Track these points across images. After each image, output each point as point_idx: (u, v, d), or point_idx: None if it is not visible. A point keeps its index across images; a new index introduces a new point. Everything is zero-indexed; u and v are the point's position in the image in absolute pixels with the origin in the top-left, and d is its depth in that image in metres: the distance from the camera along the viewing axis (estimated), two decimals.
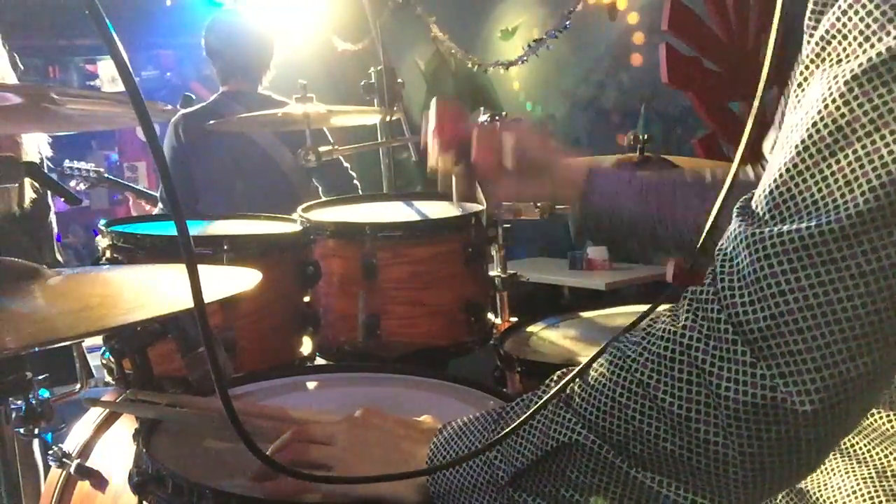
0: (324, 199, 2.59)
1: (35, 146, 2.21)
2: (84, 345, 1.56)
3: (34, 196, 2.18)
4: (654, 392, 0.70)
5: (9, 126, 1.57)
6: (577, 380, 0.76)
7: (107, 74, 7.97)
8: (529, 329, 1.67)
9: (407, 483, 0.83)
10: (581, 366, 0.76)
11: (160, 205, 3.14)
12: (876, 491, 0.81)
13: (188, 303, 0.85)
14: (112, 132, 7.97)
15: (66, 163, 3.85)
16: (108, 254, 1.50)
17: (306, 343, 1.65)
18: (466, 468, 0.80)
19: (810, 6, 0.67)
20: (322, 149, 1.95)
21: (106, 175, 4.00)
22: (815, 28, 0.67)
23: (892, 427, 0.81)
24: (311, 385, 1.30)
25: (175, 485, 0.88)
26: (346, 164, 3.16)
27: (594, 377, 0.75)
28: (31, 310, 0.85)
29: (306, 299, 1.64)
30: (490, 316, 1.77)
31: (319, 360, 1.66)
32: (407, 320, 1.62)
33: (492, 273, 1.80)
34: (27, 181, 2.05)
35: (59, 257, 2.44)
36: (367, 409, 0.94)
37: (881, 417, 0.81)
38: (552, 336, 1.63)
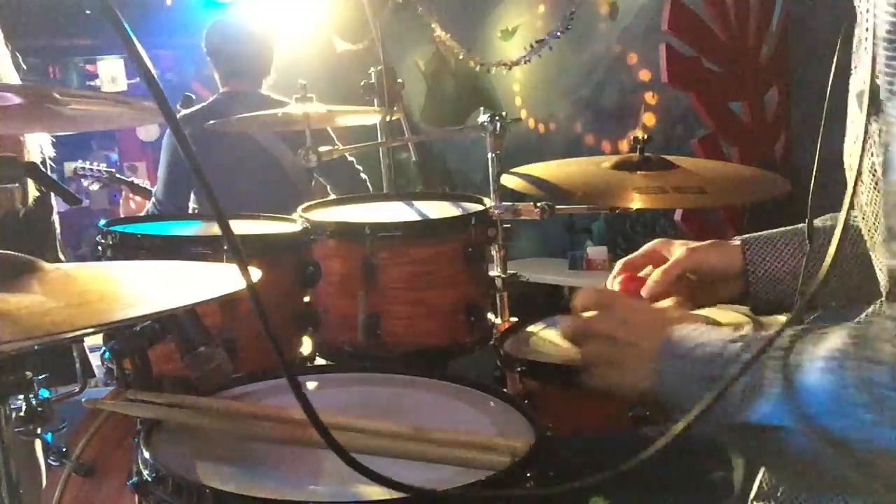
0: (326, 198, 2.59)
1: (37, 146, 2.21)
2: (86, 344, 1.56)
3: (37, 195, 2.18)
4: None
5: (10, 126, 1.56)
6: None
7: (107, 74, 7.97)
8: (529, 329, 1.67)
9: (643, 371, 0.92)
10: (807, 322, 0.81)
11: (153, 199, 3.12)
12: None
13: (188, 299, 0.85)
14: (112, 132, 7.97)
15: (79, 163, 3.89)
16: (108, 254, 1.50)
17: (306, 343, 1.65)
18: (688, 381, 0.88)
19: None
20: (322, 149, 1.95)
21: (118, 175, 4.04)
22: None
23: None
24: (311, 385, 1.30)
25: (175, 485, 0.88)
26: (352, 160, 3.16)
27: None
28: (31, 303, 0.85)
29: (306, 299, 1.65)
30: (490, 316, 1.77)
31: (319, 360, 1.67)
32: (407, 320, 1.62)
33: (492, 273, 1.80)
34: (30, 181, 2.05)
35: (61, 257, 2.44)
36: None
37: None
38: (552, 336, 1.63)
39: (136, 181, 4.12)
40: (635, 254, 1.34)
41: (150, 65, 0.50)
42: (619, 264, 1.34)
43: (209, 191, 0.57)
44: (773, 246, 1.29)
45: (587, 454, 1.18)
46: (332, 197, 2.96)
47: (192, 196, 3.04)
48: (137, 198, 3.79)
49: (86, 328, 0.78)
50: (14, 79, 2.18)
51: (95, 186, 4.02)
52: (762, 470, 0.95)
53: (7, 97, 1.03)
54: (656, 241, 1.34)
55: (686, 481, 1.10)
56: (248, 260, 0.76)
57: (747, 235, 1.32)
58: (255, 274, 1.03)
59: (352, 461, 0.78)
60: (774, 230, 1.34)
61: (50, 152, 2.30)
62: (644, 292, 1.25)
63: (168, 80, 7.84)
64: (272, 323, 1.53)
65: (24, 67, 2.30)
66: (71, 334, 0.78)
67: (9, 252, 0.96)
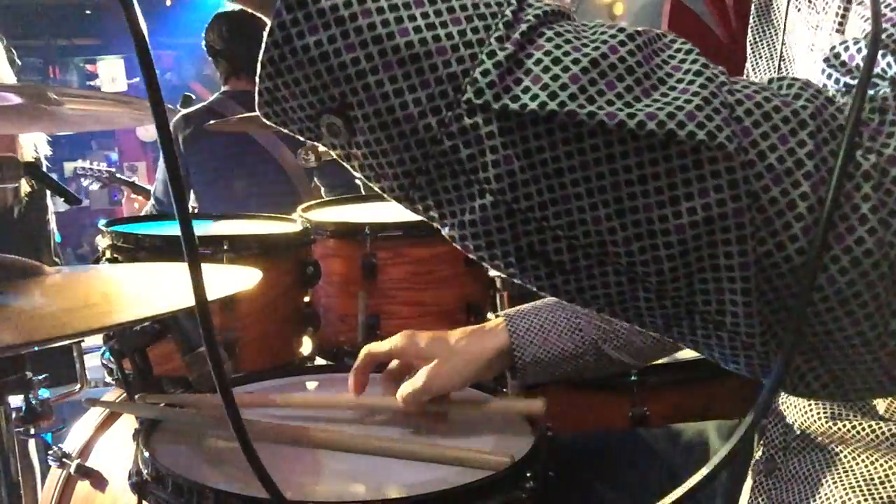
0: (326, 198, 2.60)
1: (31, 145, 2.22)
2: (83, 345, 1.56)
3: (28, 198, 2.19)
4: None
5: (8, 126, 1.57)
6: None
7: (107, 74, 7.97)
8: None
9: None
10: None
11: (151, 201, 3.12)
12: (865, 499, 0.81)
13: (189, 301, 0.85)
14: (112, 132, 7.98)
15: (79, 163, 3.92)
16: (108, 254, 1.50)
17: (306, 343, 1.65)
18: None
19: None
20: (322, 149, 1.94)
21: (118, 175, 4.07)
22: None
23: (876, 436, 0.81)
24: (311, 385, 1.30)
25: (175, 485, 0.88)
26: None
27: None
28: (32, 307, 0.85)
29: (306, 299, 1.65)
30: (490, 316, 1.77)
31: (319, 360, 1.67)
32: (407, 320, 1.62)
33: (492, 273, 1.80)
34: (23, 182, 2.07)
35: (56, 260, 2.44)
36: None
37: (864, 427, 0.82)
38: None
39: (136, 181, 4.14)
40: (381, 347, 1.11)
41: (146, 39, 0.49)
42: (363, 353, 1.12)
43: (180, 188, 0.48)
44: (541, 329, 1.14)
45: (586, 454, 1.18)
46: (329, 197, 2.97)
47: (192, 196, 3.04)
48: (140, 197, 3.81)
49: (86, 331, 0.78)
50: (10, 77, 2.19)
51: (95, 186, 4.06)
52: (749, 478, 0.94)
53: (6, 97, 1.03)
54: (403, 336, 1.09)
55: (664, 486, 1.09)
56: (247, 260, 0.74)
57: (513, 312, 1.16)
58: (255, 275, 1.03)
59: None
60: (540, 305, 1.16)
61: (45, 151, 2.31)
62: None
63: (168, 81, 7.85)
64: (272, 322, 1.54)
65: (18, 63, 2.31)
66: (72, 339, 0.78)
67: (9, 255, 0.96)
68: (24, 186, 2.16)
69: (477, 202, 0.49)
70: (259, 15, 0.54)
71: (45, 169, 2.27)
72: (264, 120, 0.52)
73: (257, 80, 0.50)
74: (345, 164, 0.53)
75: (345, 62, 0.47)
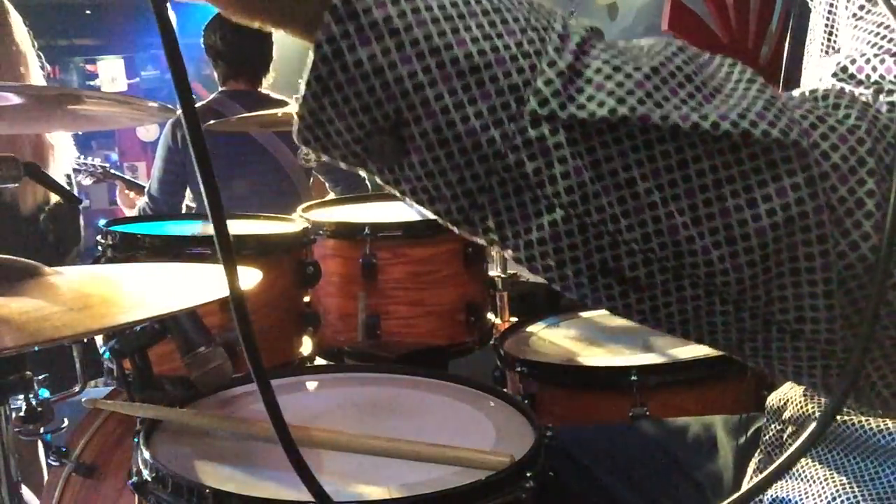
0: (326, 198, 2.60)
1: (65, 158, 2.25)
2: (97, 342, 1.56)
3: (56, 206, 2.19)
4: None
5: (9, 126, 1.57)
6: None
7: (107, 74, 7.97)
8: (529, 329, 1.67)
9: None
10: None
11: (146, 196, 3.10)
12: (856, 496, 0.81)
13: (188, 301, 0.85)
14: (112, 132, 7.97)
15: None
16: (108, 254, 1.50)
17: (306, 343, 1.65)
18: None
19: None
20: None
21: (111, 171, 4.05)
22: None
23: (865, 432, 0.82)
24: (311, 385, 1.30)
25: (175, 485, 0.88)
26: None
27: None
28: (32, 308, 0.85)
29: (306, 299, 1.65)
30: (490, 316, 1.77)
31: (319, 360, 1.67)
32: (407, 320, 1.63)
33: (492, 273, 1.80)
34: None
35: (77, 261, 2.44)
36: None
37: (855, 424, 0.82)
38: (552, 336, 1.63)
39: (129, 177, 4.12)
40: None
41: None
42: None
43: (215, 189, 0.46)
44: None
45: (591, 448, 1.18)
46: (332, 195, 2.96)
47: (188, 194, 3.04)
48: (132, 193, 3.79)
49: (86, 331, 0.78)
50: (39, 80, 2.21)
51: (88, 181, 4.04)
52: (748, 474, 0.95)
53: (8, 97, 1.03)
54: None
55: (671, 480, 1.10)
56: (247, 260, 0.74)
57: None
58: (255, 275, 1.03)
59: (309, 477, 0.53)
60: None
61: (74, 153, 2.34)
62: None
63: (168, 81, 7.85)
64: (272, 322, 1.54)
65: (49, 68, 2.34)
66: (72, 339, 0.78)
67: (9, 257, 0.96)
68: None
69: (545, 218, 0.47)
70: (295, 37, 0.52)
71: (72, 171, 2.31)
72: (303, 147, 0.50)
73: (300, 102, 0.48)
74: (391, 189, 0.51)
75: (400, 76, 0.45)
